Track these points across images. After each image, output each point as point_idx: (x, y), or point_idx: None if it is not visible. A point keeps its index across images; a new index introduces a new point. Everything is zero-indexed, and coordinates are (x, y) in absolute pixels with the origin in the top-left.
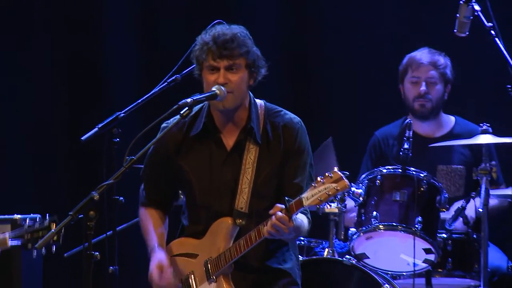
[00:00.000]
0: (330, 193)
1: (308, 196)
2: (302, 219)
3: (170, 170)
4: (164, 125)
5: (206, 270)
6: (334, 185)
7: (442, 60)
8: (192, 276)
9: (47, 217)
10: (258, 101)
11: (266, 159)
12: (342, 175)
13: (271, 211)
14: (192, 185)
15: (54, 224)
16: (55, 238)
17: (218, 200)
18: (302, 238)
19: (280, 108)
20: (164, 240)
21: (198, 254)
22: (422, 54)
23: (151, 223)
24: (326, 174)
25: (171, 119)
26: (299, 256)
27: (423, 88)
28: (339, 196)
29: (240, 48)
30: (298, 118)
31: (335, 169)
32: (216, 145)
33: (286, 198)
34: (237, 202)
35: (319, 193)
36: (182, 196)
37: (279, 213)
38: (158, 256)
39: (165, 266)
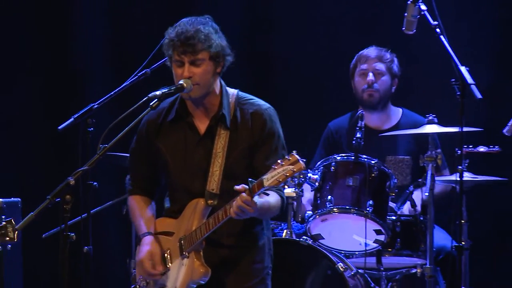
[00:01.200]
0: (287, 174)
1: (268, 178)
2: (269, 199)
3: (151, 154)
4: (144, 116)
5: (180, 246)
6: (291, 167)
7: (388, 55)
8: (168, 251)
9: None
10: (231, 90)
11: (235, 143)
12: (298, 158)
13: (235, 187)
14: (169, 166)
15: (10, 226)
16: (11, 236)
17: (191, 181)
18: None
19: (252, 97)
20: (153, 223)
21: (174, 232)
22: (370, 50)
23: (139, 208)
24: (285, 157)
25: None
26: None
27: (370, 78)
28: (296, 181)
29: (202, 43)
30: (268, 105)
31: (293, 152)
32: (190, 129)
33: (249, 180)
34: (209, 184)
35: (278, 175)
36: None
37: (243, 195)
38: (149, 246)
39: (156, 256)
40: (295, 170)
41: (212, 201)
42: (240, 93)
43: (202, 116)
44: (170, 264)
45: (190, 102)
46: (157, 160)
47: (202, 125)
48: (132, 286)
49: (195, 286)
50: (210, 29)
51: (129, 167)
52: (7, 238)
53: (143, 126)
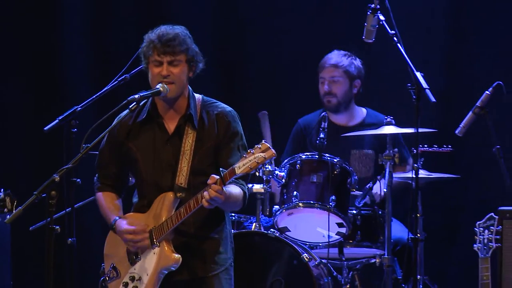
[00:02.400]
0: (259, 161)
1: (240, 166)
2: (233, 190)
3: (120, 154)
4: (117, 118)
5: (150, 237)
6: (262, 154)
7: (345, 60)
8: None
9: (1, 191)
10: (196, 94)
11: (202, 142)
12: (269, 145)
13: (208, 181)
14: (139, 163)
15: (9, 198)
16: (9, 207)
17: (160, 177)
18: (233, 214)
19: (215, 100)
20: (121, 211)
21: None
22: (329, 58)
23: (108, 201)
24: (256, 146)
25: (123, 113)
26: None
27: (326, 87)
28: (264, 177)
29: (181, 45)
30: (231, 108)
31: (263, 141)
32: (159, 128)
33: (221, 169)
34: (178, 178)
35: (250, 162)
36: (131, 179)
37: (215, 185)
38: (125, 222)
39: (135, 223)
40: (266, 157)
41: (180, 194)
42: (205, 97)
43: (171, 117)
44: (141, 255)
45: (161, 104)
46: (126, 159)
47: (171, 125)
48: (101, 278)
49: (166, 272)
50: (187, 36)
51: (97, 166)
52: (6, 210)
53: (114, 127)
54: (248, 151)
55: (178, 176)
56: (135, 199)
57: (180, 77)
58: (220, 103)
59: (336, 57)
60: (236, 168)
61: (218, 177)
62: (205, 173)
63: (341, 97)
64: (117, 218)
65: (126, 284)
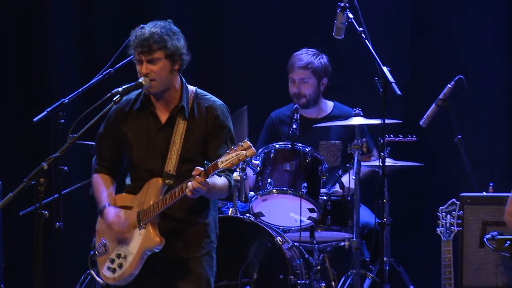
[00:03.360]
0: (240, 158)
1: (223, 161)
2: (218, 180)
3: (117, 138)
4: (114, 106)
5: (138, 218)
6: (244, 152)
7: (314, 60)
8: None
9: None
10: (191, 86)
11: (191, 132)
12: (250, 144)
13: (193, 173)
14: (132, 148)
15: None
16: None
17: (151, 162)
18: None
19: (208, 93)
20: (113, 199)
21: (132, 206)
22: (298, 58)
23: (102, 185)
24: (238, 143)
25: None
26: None
27: (296, 90)
28: (240, 165)
29: (157, 43)
30: (221, 102)
31: (246, 139)
32: (153, 117)
33: (205, 162)
34: (167, 165)
35: (232, 158)
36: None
37: (198, 177)
38: (113, 209)
39: (122, 215)
40: (247, 154)
41: (169, 180)
42: (199, 89)
43: (163, 107)
44: (128, 234)
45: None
46: (122, 144)
47: (163, 115)
48: (91, 252)
49: (149, 253)
50: (168, 31)
51: (96, 149)
52: None
53: (112, 114)
54: (231, 147)
55: (168, 163)
56: (127, 181)
57: (160, 74)
58: (212, 96)
59: (305, 58)
60: (219, 163)
61: (202, 169)
62: (193, 161)
63: (310, 96)
64: (106, 204)
65: (112, 261)
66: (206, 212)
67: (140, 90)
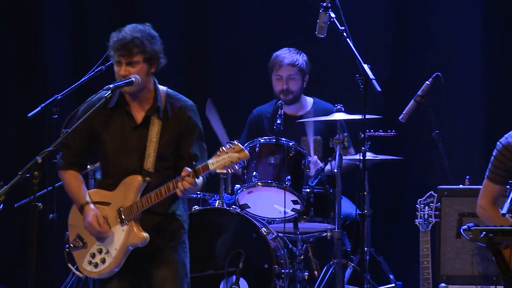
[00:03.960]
0: (233, 160)
1: (214, 162)
2: (200, 180)
3: (89, 135)
4: (87, 100)
5: (119, 215)
6: (236, 154)
7: (300, 58)
8: (106, 219)
9: None
10: (161, 87)
11: (166, 131)
12: (242, 147)
13: (182, 174)
14: (106, 145)
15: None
16: (2, 198)
17: (127, 160)
18: (198, 192)
19: (178, 93)
20: (87, 193)
21: (110, 203)
22: (283, 56)
23: (76, 181)
24: (229, 145)
25: (93, 98)
26: (196, 206)
27: (285, 86)
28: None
29: (137, 48)
30: (192, 102)
31: (236, 142)
32: (127, 116)
33: (194, 163)
34: (145, 163)
35: (223, 160)
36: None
37: (188, 178)
38: (93, 210)
39: (101, 217)
40: (240, 157)
41: (148, 178)
42: (169, 89)
43: (138, 107)
44: (109, 231)
45: (127, 94)
46: (94, 140)
47: (138, 114)
48: (67, 246)
49: (132, 248)
50: (147, 36)
51: (64, 145)
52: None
53: (83, 110)
54: (221, 149)
55: (146, 161)
56: (98, 176)
57: (140, 76)
58: (182, 96)
59: (290, 55)
60: (210, 164)
61: (190, 170)
62: (168, 159)
63: (296, 93)
64: (87, 202)
65: (93, 255)
66: (178, 205)
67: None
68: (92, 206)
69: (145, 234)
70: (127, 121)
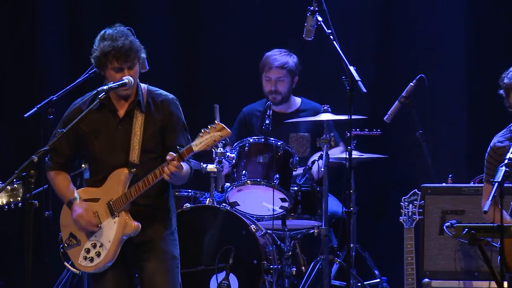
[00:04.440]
0: (216, 139)
1: (197, 143)
2: (185, 167)
3: (75, 137)
4: (74, 103)
5: (110, 209)
6: (218, 133)
7: (289, 60)
8: (96, 214)
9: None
10: (142, 84)
11: (149, 123)
12: (223, 125)
13: (167, 158)
14: (93, 144)
15: (20, 188)
16: (20, 197)
17: (113, 155)
18: (189, 190)
19: (158, 89)
20: (75, 192)
21: (99, 198)
22: (274, 58)
23: (64, 180)
24: (210, 126)
25: (77, 100)
26: (187, 204)
27: (273, 88)
28: (217, 158)
29: (135, 53)
30: (173, 95)
31: (216, 121)
32: (111, 113)
33: (178, 147)
34: (131, 156)
35: (206, 140)
36: (85, 166)
37: (174, 162)
38: (81, 204)
39: (90, 210)
40: (222, 135)
41: (134, 169)
42: (149, 86)
43: (121, 104)
44: (100, 225)
45: (113, 94)
46: (80, 141)
47: (121, 110)
48: (61, 246)
49: (126, 238)
50: (135, 40)
51: (51, 148)
52: (18, 198)
53: (69, 113)
54: (203, 130)
55: (131, 154)
56: (86, 175)
57: (136, 76)
58: (162, 91)
59: (280, 57)
60: (193, 146)
61: (175, 154)
62: (153, 151)
63: (284, 94)
64: (74, 198)
65: (88, 250)
66: (167, 197)
67: (94, 91)
68: (80, 202)
69: (137, 223)
70: (111, 118)
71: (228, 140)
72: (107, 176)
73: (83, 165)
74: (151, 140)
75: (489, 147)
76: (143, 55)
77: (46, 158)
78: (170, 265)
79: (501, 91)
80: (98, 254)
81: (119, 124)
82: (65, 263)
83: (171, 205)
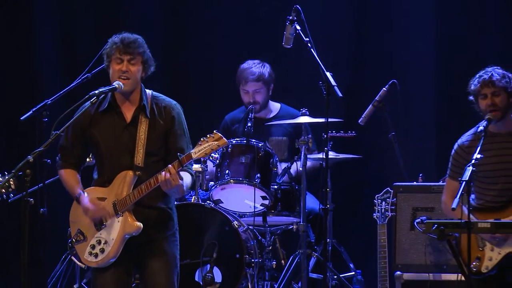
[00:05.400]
0: (213, 148)
1: (196, 151)
2: (186, 180)
3: (83, 138)
4: (81, 107)
5: (115, 208)
6: (216, 142)
7: (264, 71)
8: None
9: None
10: (147, 90)
11: (153, 128)
12: (221, 135)
13: (168, 166)
14: (100, 146)
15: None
16: (12, 188)
17: (118, 157)
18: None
19: (162, 95)
20: (81, 186)
21: (106, 198)
22: (249, 71)
23: (71, 177)
24: (208, 135)
25: (85, 104)
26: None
27: (252, 99)
28: (202, 159)
29: (139, 48)
30: (175, 102)
31: (215, 131)
32: (118, 117)
33: (178, 154)
34: (136, 159)
35: (204, 149)
36: (91, 159)
37: (171, 167)
38: (87, 197)
39: (96, 201)
40: (219, 144)
41: (139, 172)
42: (154, 92)
43: (127, 108)
44: (106, 223)
45: (119, 96)
46: (89, 142)
47: (128, 114)
48: (69, 240)
49: (128, 237)
50: (144, 43)
51: (61, 148)
52: (10, 189)
53: (79, 118)
54: (202, 139)
55: (136, 157)
56: (95, 175)
57: (135, 74)
58: (166, 97)
59: (255, 70)
60: (192, 153)
61: (171, 166)
62: (157, 154)
63: (262, 102)
64: (80, 192)
65: (93, 246)
66: (169, 199)
67: (103, 95)
68: (86, 194)
69: (139, 223)
70: (118, 121)
71: (220, 153)
72: (113, 177)
73: (88, 159)
74: (154, 144)
75: (456, 145)
76: (152, 67)
77: (57, 157)
78: (171, 265)
79: (471, 97)
80: (102, 251)
81: (125, 128)
82: (72, 257)
83: (173, 207)
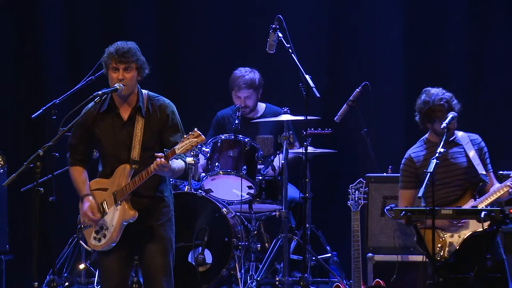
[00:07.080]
0: (193, 144)
1: (179, 147)
2: (178, 162)
3: (88, 136)
4: (84, 109)
5: (114, 198)
6: (195, 139)
7: (255, 78)
8: (105, 202)
9: None
10: (143, 90)
11: (149, 126)
12: (200, 133)
13: (157, 159)
14: (102, 142)
15: (0, 156)
16: (1, 164)
17: (119, 152)
18: (171, 179)
19: (157, 95)
20: (88, 186)
21: (107, 188)
22: (242, 79)
23: (78, 176)
24: (190, 133)
25: (89, 105)
26: None
27: (243, 104)
28: (198, 150)
29: (133, 57)
30: (169, 101)
31: (195, 129)
32: (116, 117)
33: (164, 149)
34: (132, 154)
35: (185, 145)
36: (96, 153)
37: (159, 160)
38: (89, 202)
39: (95, 207)
40: (198, 141)
41: (135, 165)
42: (149, 92)
43: (125, 108)
44: (107, 210)
45: (117, 99)
46: (93, 139)
47: (125, 114)
48: (78, 226)
49: (126, 223)
50: (138, 51)
51: (69, 145)
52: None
53: (83, 116)
54: (184, 136)
55: (133, 152)
56: (100, 168)
57: (131, 80)
58: (161, 96)
59: (247, 78)
60: (176, 149)
61: (162, 154)
62: (152, 149)
63: (252, 106)
64: (85, 194)
65: (97, 232)
66: (165, 188)
67: (105, 96)
68: (90, 197)
69: (134, 211)
70: (116, 121)
71: (203, 148)
72: (114, 170)
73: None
74: (149, 140)
75: (404, 159)
76: (146, 69)
77: (67, 155)
78: (167, 248)
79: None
80: (104, 236)
81: (123, 126)
82: (80, 242)
83: (169, 195)
